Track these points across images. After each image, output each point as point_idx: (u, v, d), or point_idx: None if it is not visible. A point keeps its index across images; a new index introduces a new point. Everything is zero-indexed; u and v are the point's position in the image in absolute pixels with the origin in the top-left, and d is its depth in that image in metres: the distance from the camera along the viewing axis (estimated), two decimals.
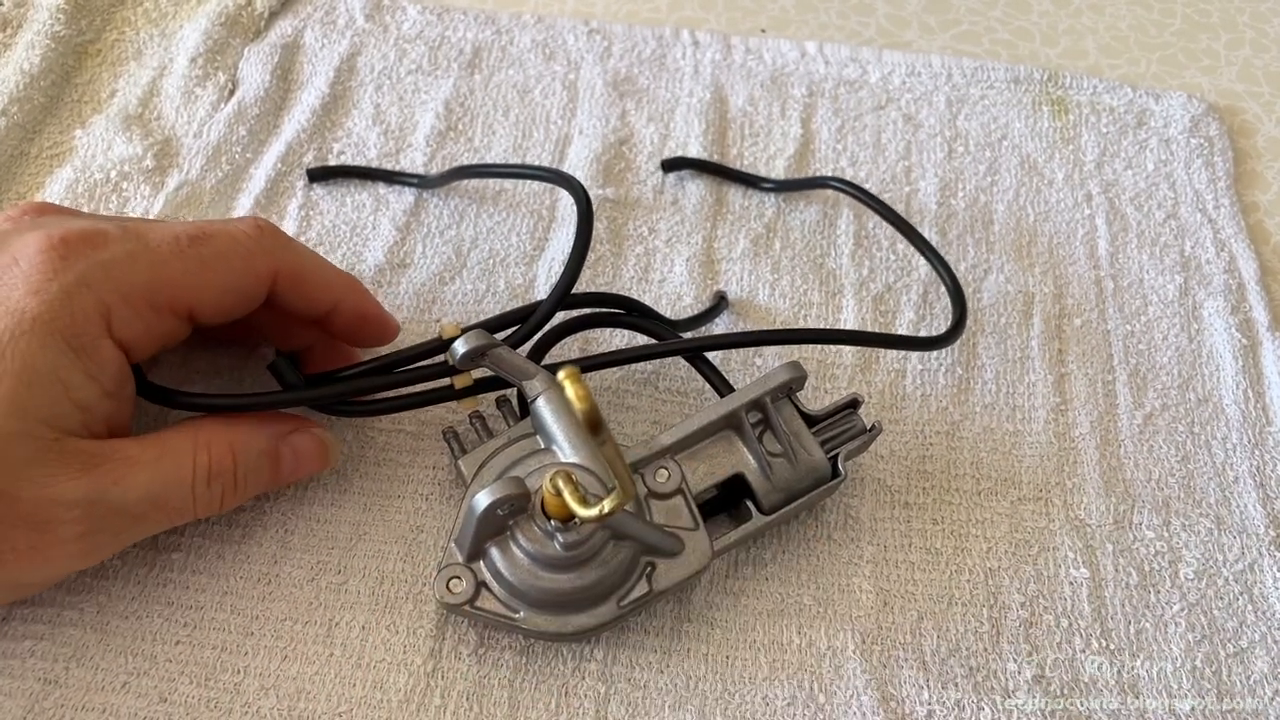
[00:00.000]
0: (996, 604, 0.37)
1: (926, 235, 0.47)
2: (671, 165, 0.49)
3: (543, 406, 0.34)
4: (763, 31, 0.57)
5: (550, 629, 0.33)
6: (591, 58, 0.54)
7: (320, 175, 0.47)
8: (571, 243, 0.38)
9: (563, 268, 0.38)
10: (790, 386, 0.36)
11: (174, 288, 0.31)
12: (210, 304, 0.32)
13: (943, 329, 0.44)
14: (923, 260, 0.45)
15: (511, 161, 0.49)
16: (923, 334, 0.44)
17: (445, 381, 0.37)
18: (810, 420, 0.36)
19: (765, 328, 0.44)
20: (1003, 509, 0.39)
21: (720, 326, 0.44)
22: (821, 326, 0.44)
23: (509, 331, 0.37)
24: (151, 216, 0.45)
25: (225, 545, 0.36)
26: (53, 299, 0.29)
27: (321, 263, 0.35)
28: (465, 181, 0.48)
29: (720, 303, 0.44)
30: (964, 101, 0.53)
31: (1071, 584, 0.37)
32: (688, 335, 0.42)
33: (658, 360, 0.42)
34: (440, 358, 0.36)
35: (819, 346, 0.43)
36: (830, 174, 0.50)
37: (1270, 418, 0.42)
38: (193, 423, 0.32)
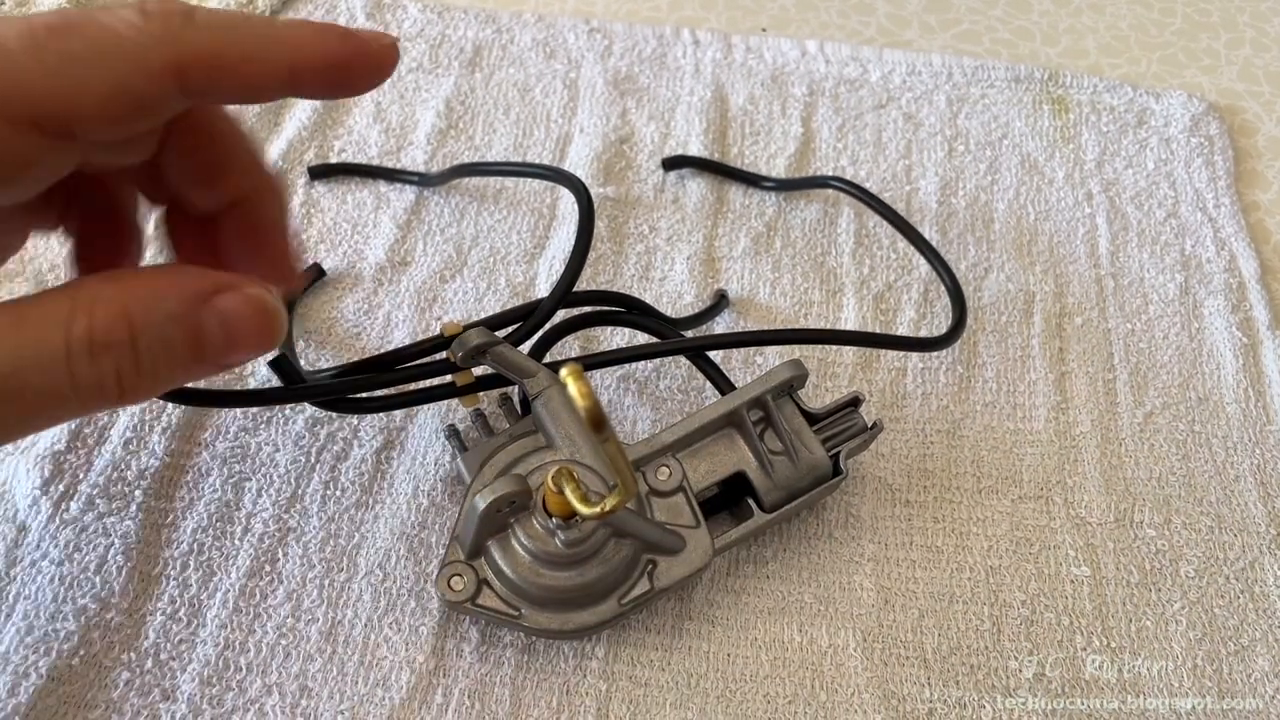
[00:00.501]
0: (998, 602, 0.37)
1: (927, 234, 0.47)
2: (672, 164, 0.49)
3: (544, 404, 0.34)
4: (763, 30, 0.57)
5: (552, 626, 0.33)
6: (592, 56, 0.54)
7: (322, 173, 0.47)
8: (572, 241, 0.38)
9: (563, 266, 0.38)
10: (791, 385, 0.36)
11: (30, 90, 0.22)
12: (91, 112, 0.23)
13: (944, 327, 0.44)
14: (923, 259, 0.45)
15: (512, 160, 0.49)
16: (923, 333, 0.44)
17: (447, 379, 0.37)
18: (811, 418, 0.37)
19: (766, 326, 0.44)
20: (1004, 507, 0.39)
21: (721, 325, 0.44)
22: (823, 325, 0.44)
23: (510, 329, 0.37)
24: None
25: (228, 542, 0.36)
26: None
27: (245, 25, 0.25)
28: (466, 179, 0.48)
29: (721, 301, 0.44)
30: (964, 100, 0.53)
31: (1073, 582, 0.37)
32: (689, 333, 0.42)
33: (659, 359, 0.42)
34: (441, 355, 0.36)
35: (820, 344, 0.43)
36: (831, 173, 0.50)
37: (1271, 416, 0.42)
38: (75, 281, 0.24)
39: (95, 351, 0.23)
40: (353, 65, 0.26)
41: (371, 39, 0.26)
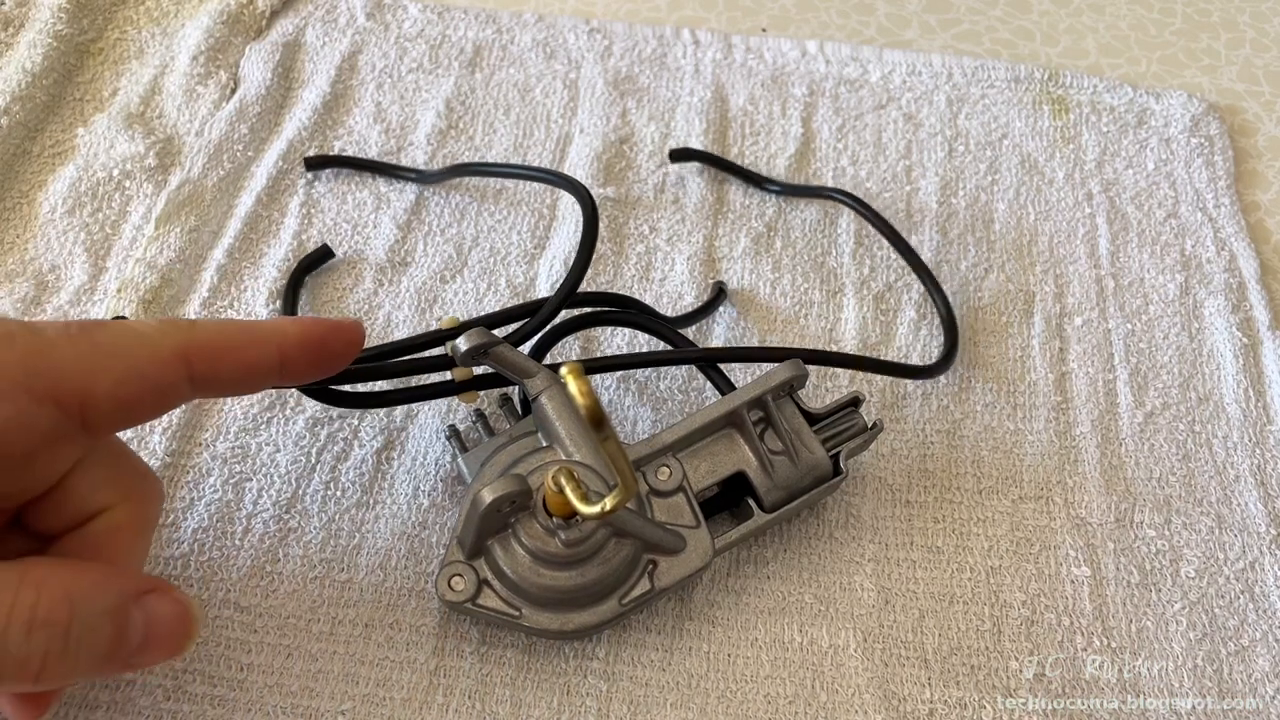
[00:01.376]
0: (998, 602, 0.37)
1: (927, 235, 0.47)
2: (679, 156, 0.49)
3: (545, 403, 0.34)
4: (763, 30, 0.57)
5: (552, 627, 0.33)
6: (592, 57, 0.54)
7: (318, 164, 0.47)
8: (573, 240, 0.38)
9: (564, 267, 0.38)
10: (792, 384, 0.36)
11: (57, 372, 0.25)
12: (105, 393, 0.26)
13: (943, 327, 0.44)
14: (917, 278, 0.46)
15: (512, 160, 0.49)
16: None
17: (445, 376, 0.37)
18: (811, 418, 0.37)
19: (766, 326, 0.44)
20: (1004, 507, 0.39)
21: (721, 322, 0.44)
22: (823, 325, 0.44)
23: (511, 329, 0.37)
24: (154, 214, 0.45)
25: (228, 542, 0.36)
26: None
27: (239, 322, 0.30)
28: (466, 179, 0.48)
29: (719, 295, 0.44)
30: (964, 101, 0.53)
31: (1073, 582, 0.37)
32: (689, 331, 0.42)
33: None
34: (437, 350, 0.36)
35: (820, 344, 0.43)
36: (831, 173, 0.50)
37: (1271, 416, 0.42)
38: (27, 559, 0.26)
39: (33, 628, 0.24)
40: (328, 341, 0.30)
41: (342, 321, 0.31)
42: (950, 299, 0.45)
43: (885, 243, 0.47)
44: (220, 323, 0.29)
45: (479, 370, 0.37)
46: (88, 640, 0.25)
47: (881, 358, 0.42)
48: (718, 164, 0.49)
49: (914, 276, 0.46)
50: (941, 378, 0.43)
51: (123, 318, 0.39)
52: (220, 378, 0.28)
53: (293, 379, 0.30)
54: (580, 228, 0.41)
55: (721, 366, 0.38)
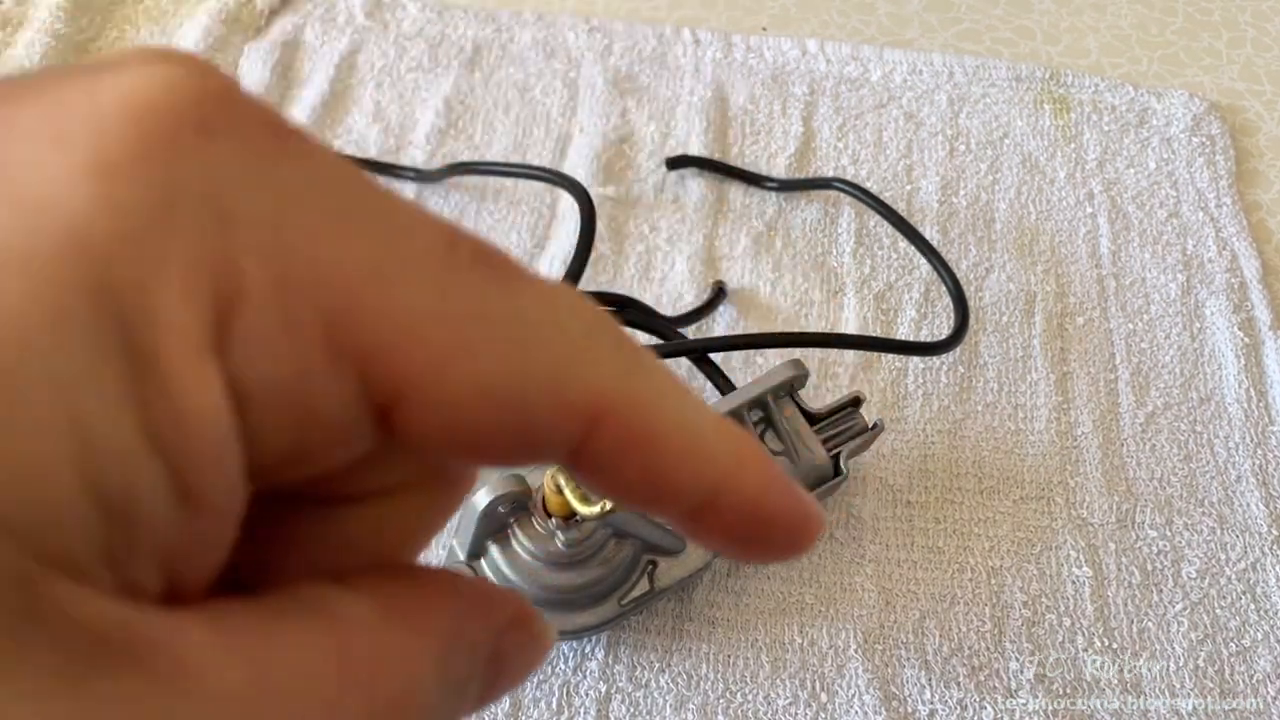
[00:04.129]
0: (999, 603, 0.37)
1: (928, 234, 0.47)
2: (676, 163, 0.49)
3: None
4: (764, 29, 0.57)
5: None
6: (592, 55, 0.54)
7: None
8: (572, 239, 0.38)
9: (564, 266, 0.38)
10: (792, 385, 0.36)
11: (399, 320, 0.12)
12: (442, 399, 0.12)
13: (944, 327, 0.44)
14: (924, 259, 0.45)
15: (512, 159, 0.49)
16: (924, 333, 0.44)
17: None
18: (812, 419, 0.36)
19: (766, 325, 0.44)
20: (1005, 508, 0.39)
21: (721, 322, 0.44)
22: (823, 325, 0.44)
23: None
24: None
25: None
26: (130, 208, 0.10)
27: (689, 405, 0.15)
28: (466, 178, 0.48)
29: (719, 294, 0.43)
30: (965, 100, 0.53)
31: (1074, 583, 0.37)
32: (689, 330, 0.42)
33: (659, 360, 0.41)
34: None
35: (823, 348, 0.43)
36: (832, 172, 0.50)
37: (1272, 416, 0.42)
38: (328, 608, 0.13)
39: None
40: (777, 523, 0.15)
41: (810, 508, 0.16)
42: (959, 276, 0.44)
43: (886, 242, 0.47)
44: (676, 385, 0.15)
45: None
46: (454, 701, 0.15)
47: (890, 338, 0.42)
48: (714, 168, 0.49)
49: (914, 276, 0.46)
50: (942, 378, 0.42)
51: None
52: (606, 470, 0.14)
53: (708, 533, 0.15)
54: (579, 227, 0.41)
55: (722, 367, 0.38)
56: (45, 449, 0.10)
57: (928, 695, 0.34)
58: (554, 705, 0.33)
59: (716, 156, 0.50)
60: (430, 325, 0.12)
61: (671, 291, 0.44)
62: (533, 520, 0.32)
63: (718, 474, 0.15)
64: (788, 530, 0.16)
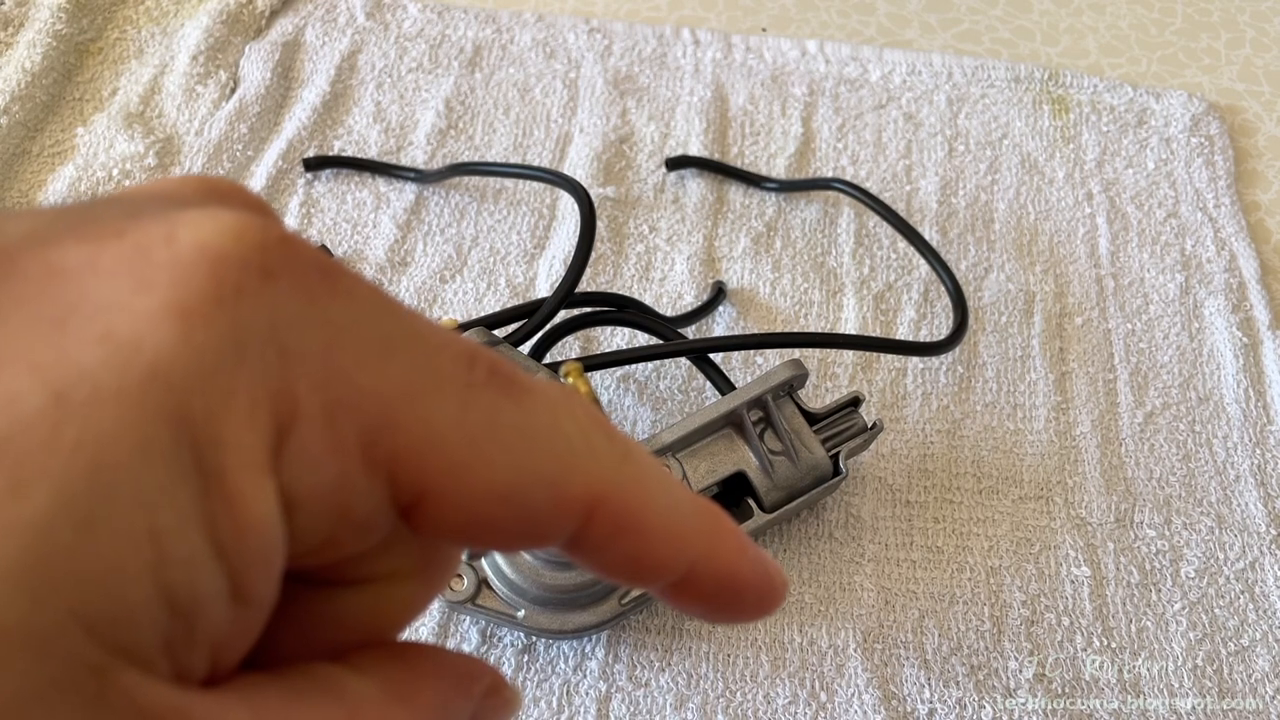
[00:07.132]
0: (998, 602, 0.37)
1: (927, 234, 0.47)
2: (675, 164, 0.49)
3: None
4: (763, 30, 0.57)
5: (552, 626, 0.33)
6: (592, 56, 0.54)
7: (316, 164, 0.47)
8: (572, 239, 0.38)
9: (564, 266, 0.38)
10: (791, 384, 0.36)
11: (425, 433, 0.14)
12: (460, 499, 0.14)
13: (943, 328, 0.44)
14: (924, 260, 0.45)
15: (512, 160, 0.49)
16: (924, 333, 0.44)
17: None
18: (811, 418, 0.36)
19: (766, 326, 0.44)
20: (1004, 507, 0.39)
21: (721, 322, 0.44)
22: (823, 325, 0.44)
23: (510, 329, 0.37)
24: None
25: None
26: (205, 347, 0.12)
27: (670, 492, 0.17)
28: (466, 179, 0.48)
29: (719, 294, 0.44)
30: (964, 100, 0.53)
31: (1073, 582, 0.37)
32: (689, 330, 0.42)
33: (659, 359, 0.42)
34: None
35: (822, 348, 0.43)
36: (831, 172, 0.50)
37: (1271, 416, 0.42)
38: (339, 687, 0.15)
39: None
40: (748, 589, 0.18)
41: (775, 573, 0.18)
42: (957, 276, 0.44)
43: (885, 242, 0.47)
44: (659, 474, 0.17)
45: None
46: None
47: (889, 338, 0.42)
48: (714, 168, 0.49)
49: (913, 276, 0.46)
50: (942, 378, 0.42)
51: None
52: (599, 553, 0.16)
53: (686, 600, 0.17)
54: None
55: (722, 367, 0.38)
56: (127, 557, 0.11)
57: (927, 694, 0.34)
58: (554, 705, 0.33)
59: (716, 157, 0.50)
60: (451, 436, 0.14)
61: (671, 291, 0.44)
62: None
63: (695, 552, 0.17)
64: (757, 595, 0.18)
